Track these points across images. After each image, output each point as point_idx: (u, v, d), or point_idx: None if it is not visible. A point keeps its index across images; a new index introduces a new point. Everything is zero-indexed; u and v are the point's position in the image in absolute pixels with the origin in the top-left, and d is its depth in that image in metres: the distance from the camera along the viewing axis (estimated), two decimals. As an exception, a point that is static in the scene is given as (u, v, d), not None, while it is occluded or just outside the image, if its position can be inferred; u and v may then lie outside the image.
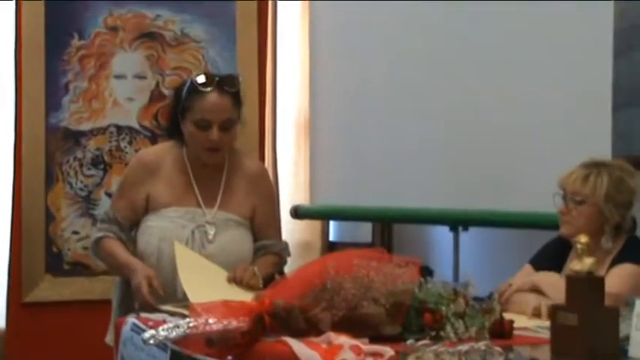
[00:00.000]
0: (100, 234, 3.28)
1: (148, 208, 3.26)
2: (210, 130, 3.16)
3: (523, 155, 4.00)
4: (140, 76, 4.38)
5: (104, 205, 4.21)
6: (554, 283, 2.98)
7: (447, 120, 4.29)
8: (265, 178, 3.42)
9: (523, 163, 4.00)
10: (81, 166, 4.29)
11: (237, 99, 3.22)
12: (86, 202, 4.31)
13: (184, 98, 3.20)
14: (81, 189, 4.30)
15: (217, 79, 3.20)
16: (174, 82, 4.31)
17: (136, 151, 4.28)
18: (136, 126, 4.36)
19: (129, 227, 3.28)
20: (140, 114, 4.37)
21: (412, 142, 4.42)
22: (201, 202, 3.26)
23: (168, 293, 3.08)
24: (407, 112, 4.44)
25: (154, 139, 4.34)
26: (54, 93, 4.28)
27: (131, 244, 3.27)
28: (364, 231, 5.20)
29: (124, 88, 4.36)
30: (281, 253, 3.38)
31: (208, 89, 3.16)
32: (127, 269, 3.19)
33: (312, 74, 4.81)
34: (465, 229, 4.29)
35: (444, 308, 2.52)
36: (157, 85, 4.38)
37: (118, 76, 4.36)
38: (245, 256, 3.26)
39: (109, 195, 4.26)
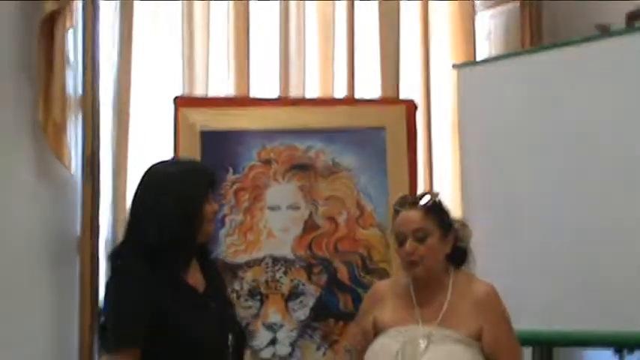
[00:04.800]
0: None
1: (376, 331, 3.41)
2: (405, 244, 3.34)
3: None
4: (294, 207, 4.42)
5: (262, 336, 4.24)
6: None
7: (607, 236, 4.20)
8: (494, 299, 3.39)
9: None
10: (238, 297, 4.32)
11: (432, 212, 3.38)
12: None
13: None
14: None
15: (412, 198, 3.46)
16: (327, 212, 4.37)
17: (291, 280, 4.33)
18: (291, 256, 4.39)
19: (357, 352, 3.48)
20: (294, 244, 4.40)
21: (572, 262, 4.32)
22: (419, 320, 3.34)
23: None
24: (563, 232, 4.37)
25: (308, 269, 4.36)
26: (212, 227, 4.36)
27: None
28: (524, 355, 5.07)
29: (278, 219, 4.41)
30: None
31: (403, 208, 3.39)
32: None
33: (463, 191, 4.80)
34: (631, 351, 4.15)
35: None
36: (310, 215, 4.42)
37: (272, 208, 4.41)
38: None
39: (266, 326, 4.28)
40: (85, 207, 4.50)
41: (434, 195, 3.44)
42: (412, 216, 3.37)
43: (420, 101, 4.97)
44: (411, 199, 3.45)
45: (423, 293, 3.39)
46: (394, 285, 3.52)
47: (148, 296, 3.08)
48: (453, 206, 4.90)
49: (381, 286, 3.60)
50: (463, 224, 3.47)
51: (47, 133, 4.35)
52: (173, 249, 3.13)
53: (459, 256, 3.46)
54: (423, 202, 3.40)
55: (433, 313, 3.35)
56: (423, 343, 3.28)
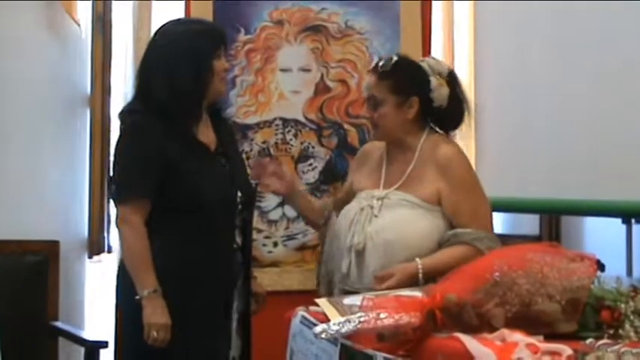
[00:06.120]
0: None
1: (353, 194, 3.40)
2: None
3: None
4: (305, 69, 4.37)
5: (270, 198, 4.25)
6: None
7: (618, 106, 4.17)
8: (454, 163, 3.23)
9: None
10: (248, 159, 4.32)
11: (386, 79, 3.27)
12: (253, 194, 4.35)
13: None
14: (248, 182, 4.35)
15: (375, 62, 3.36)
16: (338, 75, 4.33)
17: (301, 143, 4.32)
18: (302, 119, 4.36)
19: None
20: (305, 107, 4.37)
21: (581, 130, 4.31)
22: (381, 184, 3.30)
23: (336, 267, 3.29)
24: (574, 101, 4.34)
25: (319, 132, 4.35)
26: (222, 87, 4.33)
27: None
28: (531, 223, 5.10)
29: (290, 81, 4.37)
30: (473, 242, 3.13)
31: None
32: None
33: (478, 68, 4.76)
34: (639, 220, 4.16)
35: (622, 305, 2.43)
36: (322, 77, 4.37)
37: (283, 70, 4.37)
38: (412, 237, 3.17)
39: (273, 188, 4.30)
40: (96, 64, 4.50)
41: (390, 59, 3.29)
42: (368, 82, 3.35)
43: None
44: (373, 64, 3.35)
45: (395, 157, 3.33)
46: (378, 148, 3.43)
47: (158, 150, 3.12)
48: (469, 72, 4.88)
49: (368, 147, 3.54)
50: (440, 84, 3.27)
51: (57, -14, 4.32)
52: (183, 104, 3.16)
53: (443, 117, 3.33)
54: (380, 67, 3.28)
55: (397, 176, 3.27)
56: (377, 204, 3.24)
